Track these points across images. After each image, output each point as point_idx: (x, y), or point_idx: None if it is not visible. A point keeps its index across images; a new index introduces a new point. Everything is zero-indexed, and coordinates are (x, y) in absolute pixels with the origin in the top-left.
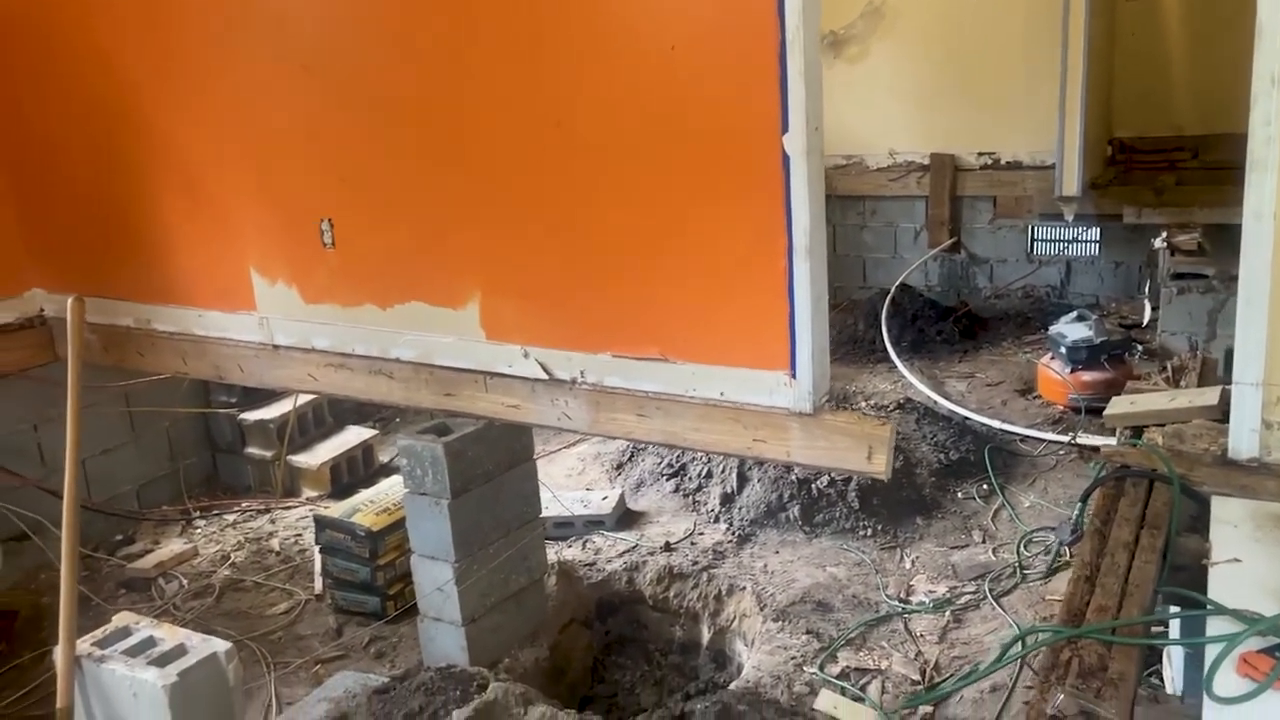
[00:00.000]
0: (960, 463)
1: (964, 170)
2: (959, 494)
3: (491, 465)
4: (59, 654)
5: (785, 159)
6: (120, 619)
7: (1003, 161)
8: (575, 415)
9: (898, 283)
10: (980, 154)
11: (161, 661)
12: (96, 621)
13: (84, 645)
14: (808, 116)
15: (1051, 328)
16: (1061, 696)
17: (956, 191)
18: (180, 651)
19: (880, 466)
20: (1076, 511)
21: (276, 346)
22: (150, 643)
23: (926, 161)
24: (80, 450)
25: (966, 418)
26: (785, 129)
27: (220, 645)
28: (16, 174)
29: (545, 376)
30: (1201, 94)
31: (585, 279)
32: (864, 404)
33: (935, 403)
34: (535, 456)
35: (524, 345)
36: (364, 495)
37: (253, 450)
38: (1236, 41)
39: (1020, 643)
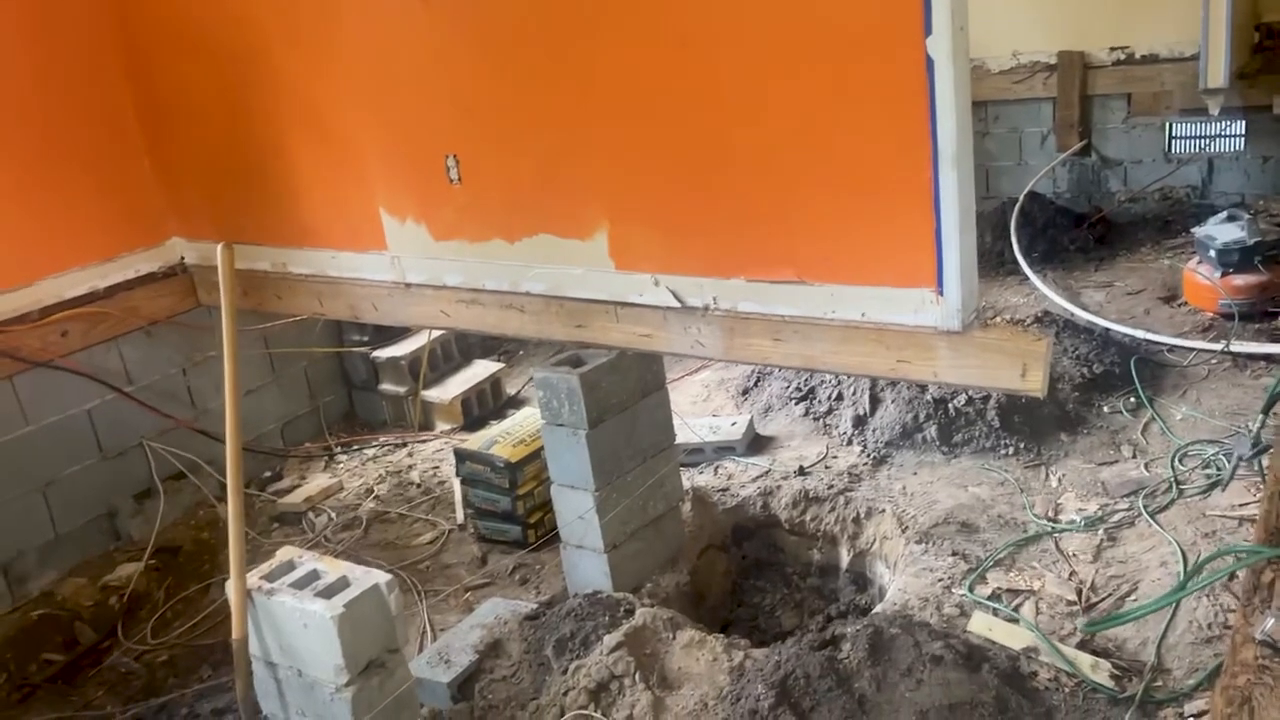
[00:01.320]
0: (1105, 376)
1: (1094, 68)
2: (1105, 408)
3: (625, 395)
4: (231, 587)
5: (929, 62)
6: (284, 553)
7: (1138, 56)
8: (709, 342)
9: (1026, 190)
10: (1112, 49)
11: (328, 593)
12: (255, 555)
13: (253, 579)
14: (953, 15)
15: (1197, 230)
16: (1272, 621)
17: (1086, 91)
18: (344, 584)
19: (1036, 384)
20: (1257, 424)
21: (408, 285)
22: (314, 575)
23: (1052, 61)
24: (239, 392)
25: (1108, 329)
26: (929, 30)
27: (381, 577)
28: (153, 126)
29: (677, 304)
30: None
31: (715, 202)
32: (999, 320)
33: (1073, 314)
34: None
35: (654, 274)
36: (500, 427)
37: (386, 386)
38: None
39: (1221, 561)
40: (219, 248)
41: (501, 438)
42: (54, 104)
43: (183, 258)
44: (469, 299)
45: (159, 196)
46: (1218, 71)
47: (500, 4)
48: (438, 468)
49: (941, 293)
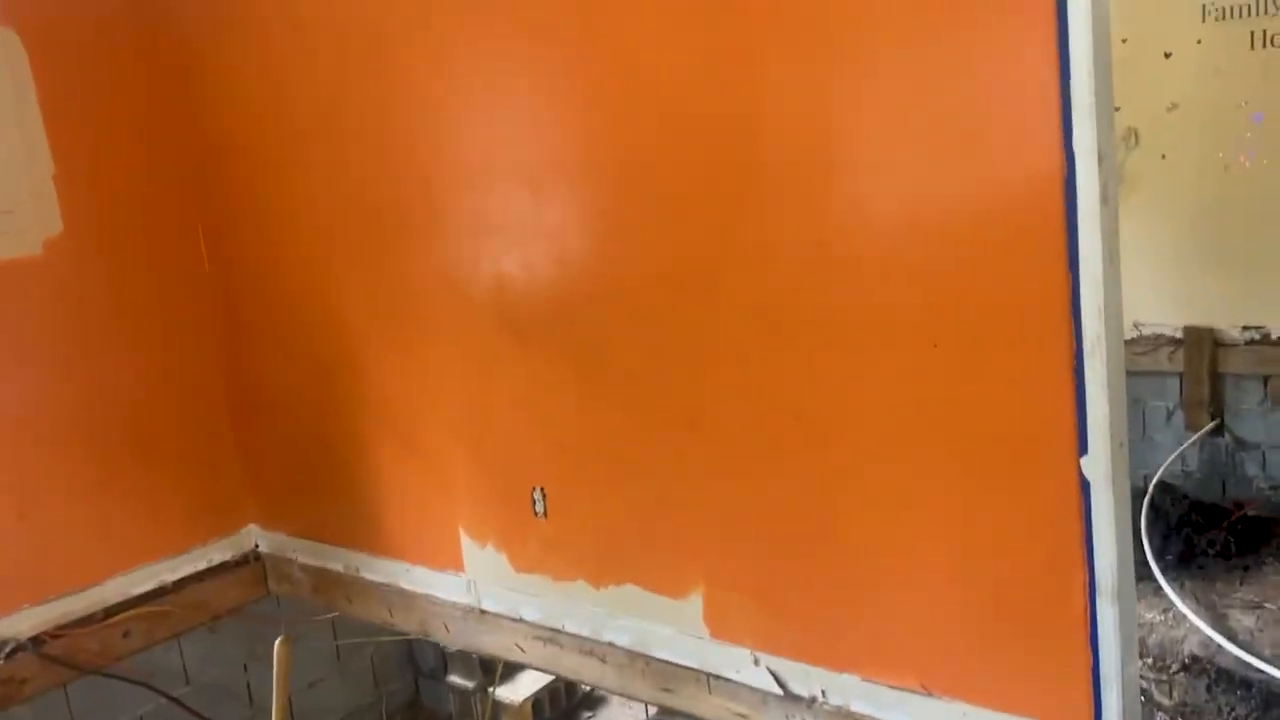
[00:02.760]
0: None
1: (1225, 346)
2: None
3: None
4: None
5: (1084, 483)
6: None
7: (1274, 337)
8: None
9: (1155, 480)
10: (1245, 328)
11: None
12: None
13: None
14: (1111, 434)
15: None
16: None
17: (1217, 368)
18: None
19: None
20: None
21: (484, 611)
22: None
23: (1178, 335)
24: None
25: (1271, 682)
26: (1084, 450)
27: None
28: (241, 413)
29: (779, 690)
30: None
31: (828, 586)
32: (1141, 663)
33: (1224, 647)
34: None
35: (754, 650)
36: None
37: (455, 679)
38: None
39: None
40: (276, 643)
41: None
42: (148, 395)
43: (256, 544)
44: (546, 637)
45: (240, 485)
46: None
47: (600, 351)
48: None
49: None
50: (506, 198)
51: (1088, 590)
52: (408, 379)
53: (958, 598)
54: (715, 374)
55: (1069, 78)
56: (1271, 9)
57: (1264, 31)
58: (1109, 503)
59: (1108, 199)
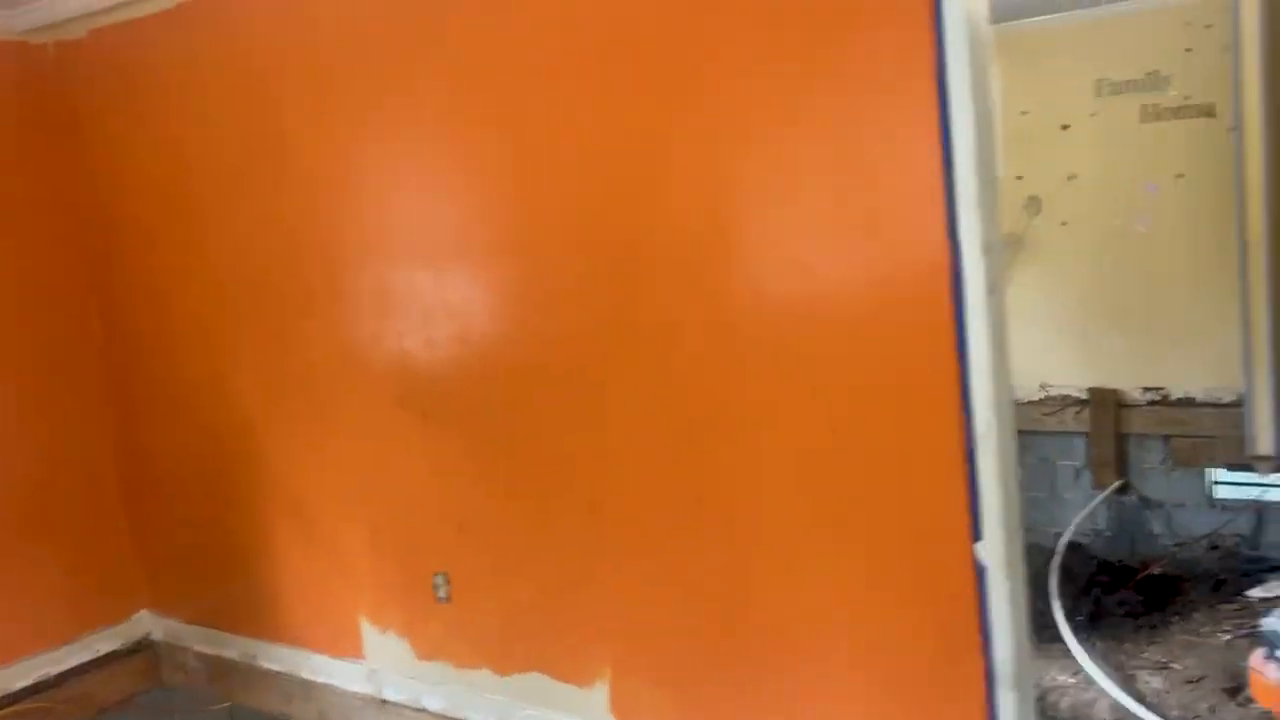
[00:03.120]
0: None
1: (1128, 406)
2: None
3: None
4: None
5: (979, 568)
6: None
7: (1173, 398)
8: None
9: (1064, 541)
10: (1146, 389)
11: None
12: None
13: None
14: (1005, 519)
15: (1263, 621)
16: None
17: (1121, 429)
18: None
19: None
20: None
21: (385, 701)
22: None
23: (1084, 396)
24: None
25: None
26: (978, 535)
27: None
28: (135, 498)
29: None
30: None
31: (734, 673)
32: None
33: (1129, 714)
34: None
35: None
36: None
37: None
38: None
39: None
40: None
41: None
42: (37, 475)
43: (149, 632)
44: None
45: (132, 570)
46: (1267, 439)
47: (502, 431)
48: None
49: None
50: (409, 278)
51: (986, 678)
52: (307, 459)
53: (861, 683)
54: (619, 456)
55: (953, 171)
56: (1161, 84)
57: (1155, 105)
58: (1005, 589)
59: (994, 290)
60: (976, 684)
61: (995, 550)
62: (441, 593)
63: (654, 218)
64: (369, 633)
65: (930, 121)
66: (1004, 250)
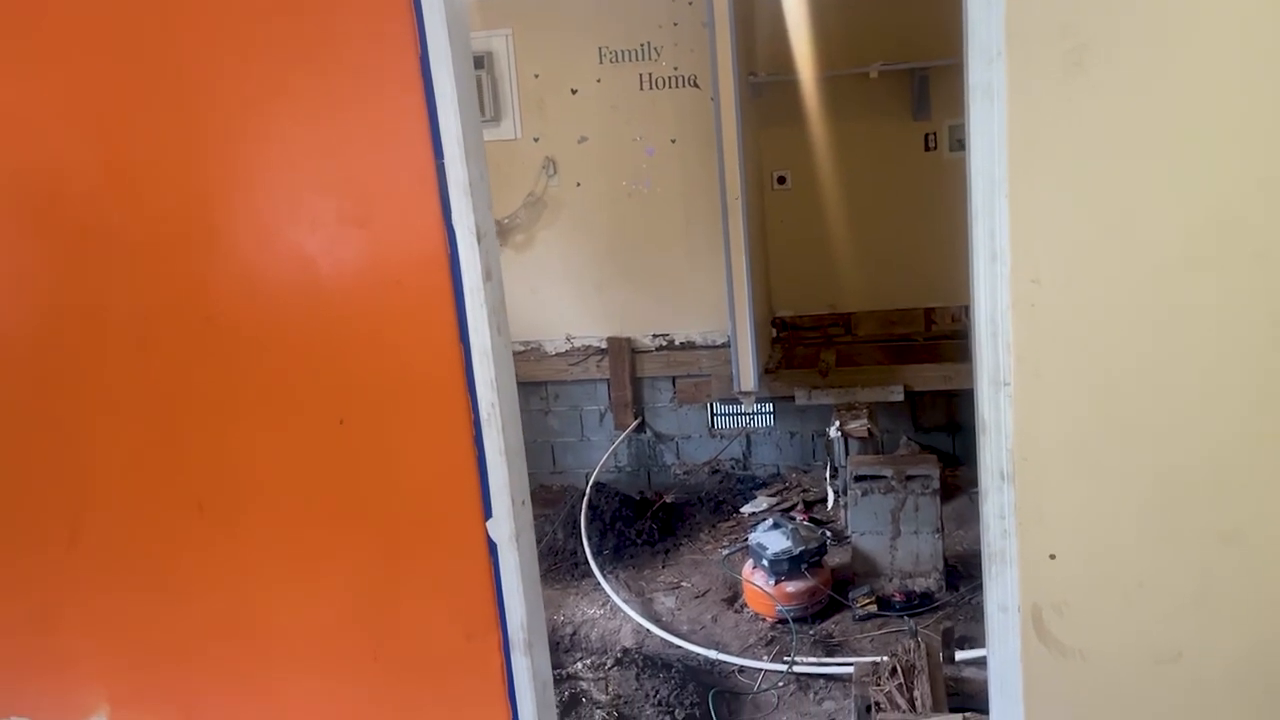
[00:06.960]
0: None
1: (641, 352)
2: None
3: None
4: None
5: (492, 545)
6: None
7: (677, 343)
8: None
9: (590, 482)
10: (655, 335)
11: None
12: None
13: None
14: (513, 496)
15: (751, 537)
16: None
17: (636, 373)
18: None
19: None
20: None
21: None
22: None
23: (604, 345)
24: None
25: (687, 656)
26: (489, 514)
27: None
28: None
29: None
30: (849, 275)
31: (250, 684)
32: (579, 664)
33: (650, 634)
34: None
35: None
36: None
37: None
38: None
39: None
40: None
41: None
42: None
43: None
44: None
45: None
46: (748, 378)
47: None
48: None
49: None
50: None
51: (502, 649)
52: None
53: (381, 674)
54: (106, 471)
55: (443, 157)
56: (654, 55)
57: (650, 74)
58: (515, 562)
59: (490, 275)
60: (495, 655)
61: (504, 527)
62: None
63: (128, 199)
64: None
65: (418, 110)
66: (499, 235)
